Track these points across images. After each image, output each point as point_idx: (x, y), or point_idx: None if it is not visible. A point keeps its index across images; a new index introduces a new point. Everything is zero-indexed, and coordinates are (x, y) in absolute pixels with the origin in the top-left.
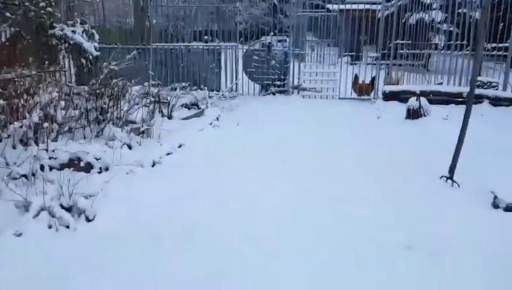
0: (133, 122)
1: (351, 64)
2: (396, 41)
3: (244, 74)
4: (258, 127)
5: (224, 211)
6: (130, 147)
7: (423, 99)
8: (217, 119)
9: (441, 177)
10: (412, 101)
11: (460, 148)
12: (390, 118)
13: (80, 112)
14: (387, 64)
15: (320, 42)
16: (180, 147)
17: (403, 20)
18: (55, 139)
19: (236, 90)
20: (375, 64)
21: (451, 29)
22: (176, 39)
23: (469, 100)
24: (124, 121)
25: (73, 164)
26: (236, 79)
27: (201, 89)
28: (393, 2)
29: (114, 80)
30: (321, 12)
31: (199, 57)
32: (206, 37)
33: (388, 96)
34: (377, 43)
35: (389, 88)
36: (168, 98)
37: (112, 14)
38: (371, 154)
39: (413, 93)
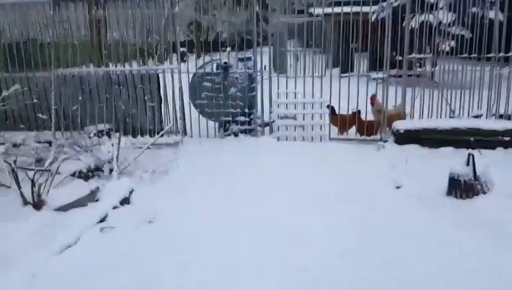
0: None
1: (341, 77)
2: (411, 56)
3: (193, 107)
4: (188, 230)
5: None
6: None
7: (481, 162)
8: (123, 203)
9: None
10: (461, 167)
11: None
12: (418, 192)
13: None
14: (382, 79)
15: (304, 51)
16: None
17: (403, 24)
18: None
19: (182, 132)
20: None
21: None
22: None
23: None
24: None
25: None
26: (183, 115)
27: (137, 132)
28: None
29: None
30: (303, 17)
31: (127, 85)
32: (182, 49)
33: (403, 138)
34: (372, 51)
35: (404, 125)
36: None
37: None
38: None
39: (440, 133)
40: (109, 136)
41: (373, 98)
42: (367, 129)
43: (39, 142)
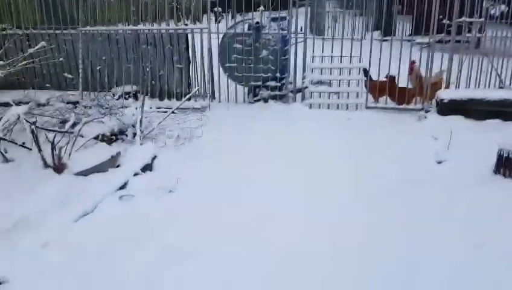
0: None
1: (383, 41)
2: (461, 19)
3: (222, 70)
4: (210, 202)
5: None
6: None
7: None
8: (145, 169)
9: None
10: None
11: None
12: (461, 168)
13: None
14: (425, 45)
15: (344, 12)
16: None
17: None
18: None
19: (211, 96)
20: (411, 40)
21: None
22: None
23: None
24: None
25: None
26: (212, 79)
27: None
28: None
29: None
30: None
31: (156, 45)
32: (216, 9)
33: (447, 109)
34: (417, 14)
35: (449, 95)
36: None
37: None
38: None
39: (488, 104)
40: (136, 98)
41: (412, 65)
42: (401, 97)
43: (64, 102)
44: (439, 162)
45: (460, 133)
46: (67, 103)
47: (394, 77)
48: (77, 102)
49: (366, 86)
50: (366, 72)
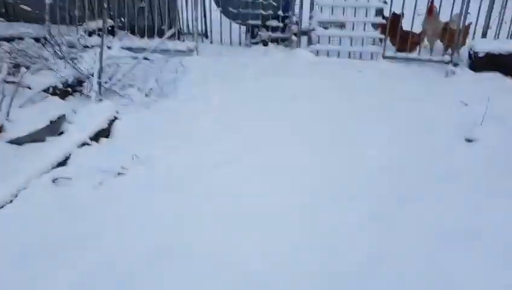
0: None
1: None
2: None
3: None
4: (166, 199)
5: None
6: None
7: None
8: (100, 135)
9: None
10: None
11: None
12: (498, 152)
13: None
14: None
15: None
16: None
17: None
18: None
19: (201, 35)
20: None
21: None
22: None
23: None
24: None
25: None
26: (204, 14)
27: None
28: None
29: None
30: None
31: None
32: None
33: (481, 63)
34: None
35: (486, 47)
36: None
37: None
38: None
39: None
40: (113, 34)
41: (432, 7)
42: (403, 42)
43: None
44: (469, 141)
45: (498, 97)
46: (36, 40)
47: (399, 16)
48: (42, 38)
49: (384, 31)
50: (382, 13)
